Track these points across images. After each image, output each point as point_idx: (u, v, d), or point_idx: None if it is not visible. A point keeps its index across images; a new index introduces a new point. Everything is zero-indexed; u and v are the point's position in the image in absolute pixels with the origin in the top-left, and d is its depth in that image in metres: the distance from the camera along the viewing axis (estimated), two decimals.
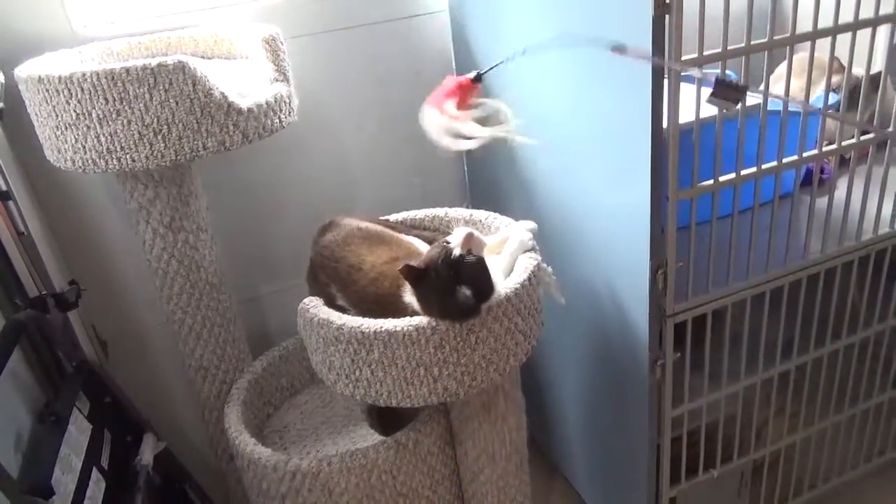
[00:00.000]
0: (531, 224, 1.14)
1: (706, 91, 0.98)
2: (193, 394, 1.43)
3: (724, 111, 0.88)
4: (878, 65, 1.24)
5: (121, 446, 1.26)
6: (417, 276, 0.98)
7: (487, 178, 1.57)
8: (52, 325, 1.21)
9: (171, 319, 1.33)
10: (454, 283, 0.96)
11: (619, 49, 0.88)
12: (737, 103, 0.88)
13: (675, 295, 1.09)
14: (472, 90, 1.00)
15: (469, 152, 1.63)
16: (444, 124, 1.00)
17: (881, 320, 1.36)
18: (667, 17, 0.88)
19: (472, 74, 1.01)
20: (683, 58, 0.92)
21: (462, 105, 0.99)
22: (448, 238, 1.00)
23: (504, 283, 1.05)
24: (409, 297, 1.02)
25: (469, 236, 0.99)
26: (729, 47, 0.96)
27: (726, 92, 0.86)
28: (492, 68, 0.99)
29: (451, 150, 1.00)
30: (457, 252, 0.96)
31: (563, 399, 1.54)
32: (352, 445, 1.35)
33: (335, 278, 1.12)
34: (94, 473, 1.12)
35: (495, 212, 1.26)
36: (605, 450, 1.44)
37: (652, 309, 1.10)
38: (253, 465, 1.20)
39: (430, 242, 1.19)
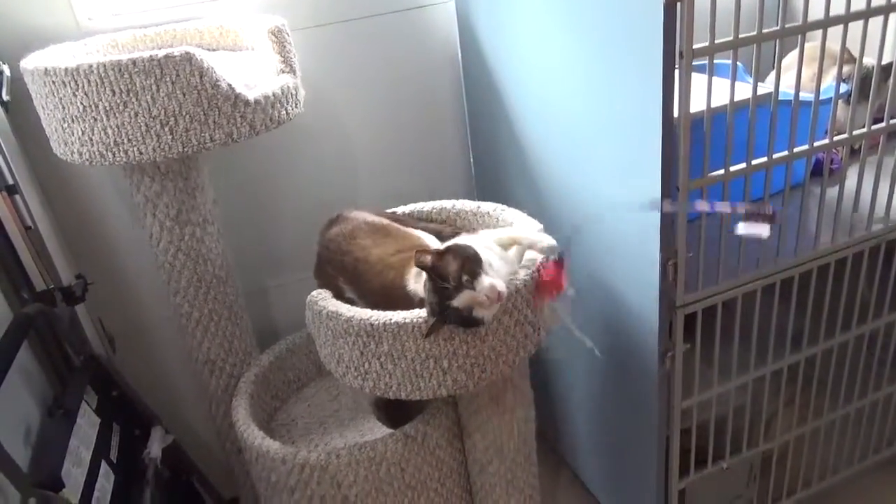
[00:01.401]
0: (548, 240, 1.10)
1: (717, 81, 0.98)
2: (201, 387, 1.42)
3: (759, 238, 0.88)
4: (889, 53, 1.23)
5: (129, 439, 1.26)
6: (431, 266, 0.95)
7: (494, 171, 1.56)
8: (59, 319, 1.21)
9: (178, 313, 1.32)
10: (446, 314, 0.94)
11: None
12: (769, 227, 0.87)
13: (685, 286, 1.09)
14: (562, 273, 0.99)
15: (474, 140, 1.63)
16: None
17: (891, 311, 1.35)
18: (678, 5, 0.87)
19: (555, 257, 1.00)
20: (695, 46, 0.91)
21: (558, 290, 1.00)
22: (483, 274, 0.94)
23: (515, 274, 1.04)
24: (413, 285, 1.01)
25: (498, 299, 0.94)
26: (740, 36, 0.95)
27: (757, 218, 0.86)
28: (568, 245, 1.00)
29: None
30: (479, 314, 0.94)
31: (571, 391, 1.54)
32: (360, 438, 1.35)
33: (343, 271, 1.12)
34: (104, 466, 1.12)
35: (502, 203, 1.26)
36: (614, 442, 1.43)
37: (662, 300, 1.09)
38: (261, 458, 1.20)
39: (436, 235, 1.19)
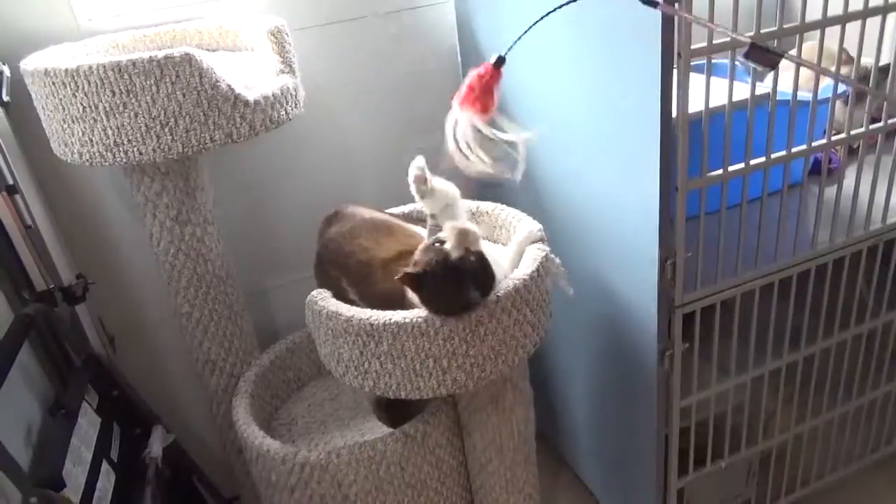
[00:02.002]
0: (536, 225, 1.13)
1: (716, 81, 0.98)
2: (201, 387, 1.43)
3: (759, 69, 0.81)
4: (887, 53, 1.24)
5: (130, 439, 1.27)
6: (418, 281, 0.96)
7: None
8: (60, 319, 1.21)
9: (179, 313, 1.33)
10: (459, 285, 0.95)
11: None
12: (772, 67, 0.81)
13: (683, 285, 1.09)
14: (496, 78, 0.87)
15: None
16: (468, 136, 0.90)
17: (889, 310, 1.35)
18: (676, 5, 0.88)
19: (492, 59, 0.86)
20: (693, 46, 0.91)
21: (488, 98, 0.86)
22: (439, 236, 0.99)
23: (512, 274, 1.05)
24: (412, 295, 1.02)
25: (462, 233, 0.96)
26: (738, 36, 0.95)
27: (760, 55, 0.79)
28: (511, 48, 0.87)
29: (466, 170, 0.92)
30: (455, 254, 0.94)
31: (571, 391, 1.54)
32: (360, 438, 1.35)
33: (347, 273, 1.11)
34: (104, 466, 1.12)
35: (501, 202, 1.26)
36: (613, 441, 1.44)
37: (661, 299, 1.09)
38: (262, 458, 1.20)
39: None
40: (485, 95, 0.83)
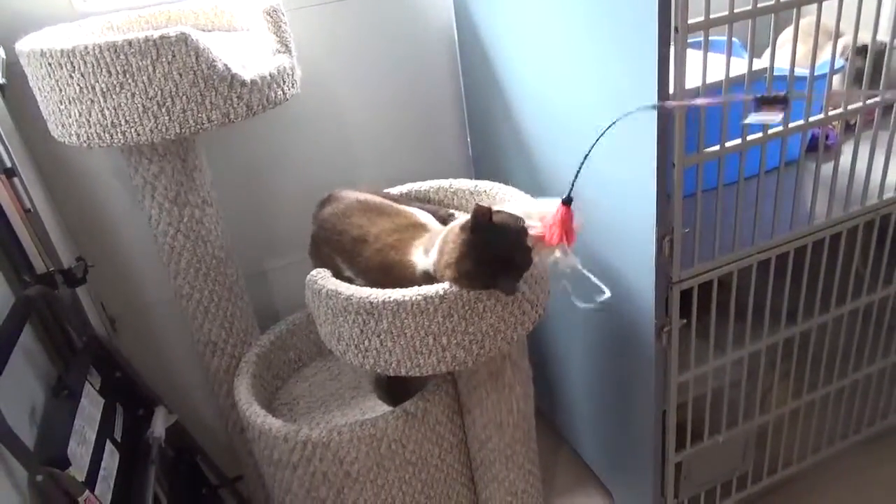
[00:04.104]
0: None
1: (713, 56, 0.98)
2: (202, 368, 1.44)
3: (769, 125, 0.86)
4: (883, 29, 1.23)
5: (133, 420, 1.28)
6: (488, 220, 0.95)
7: (491, 149, 1.56)
8: (61, 302, 1.21)
9: (179, 294, 1.33)
10: (504, 268, 0.95)
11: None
12: (782, 113, 0.86)
13: (681, 262, 1.10)
14: (571, 215, 0.98)
15: (471, 120, 1.63)
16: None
17: (885, 285, 1.36)
18: None
19: (563, 199, 0.97)
20: (690, 21, 0.91)
21: (571, 234, 0.98)
22: (531, 213, 0.99)
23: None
24: (416, 257, 1.02)
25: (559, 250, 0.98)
26: (735, 10, 0.95)
27: (770, 104, 0.84)
28: (573, 187, 0.98)
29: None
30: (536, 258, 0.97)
31: (569, 368, 1.56)
32: (361, 416, 1.37)
33: (340, 251, 1.12)
34: (108, 446, 1.13)
35: (498, 181, 1.26)
36: (611, 418, 1.45)
37: (658, 276, 1.10)
38: (264, 436, 1.21)
39: (433, 214, 1.19)
40: (569, 233, 0.97)
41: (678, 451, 1.31)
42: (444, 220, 1.16)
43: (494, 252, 0.96)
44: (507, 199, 1.20)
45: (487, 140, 1.57)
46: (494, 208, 0.97)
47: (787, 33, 1.18)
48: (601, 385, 1.44)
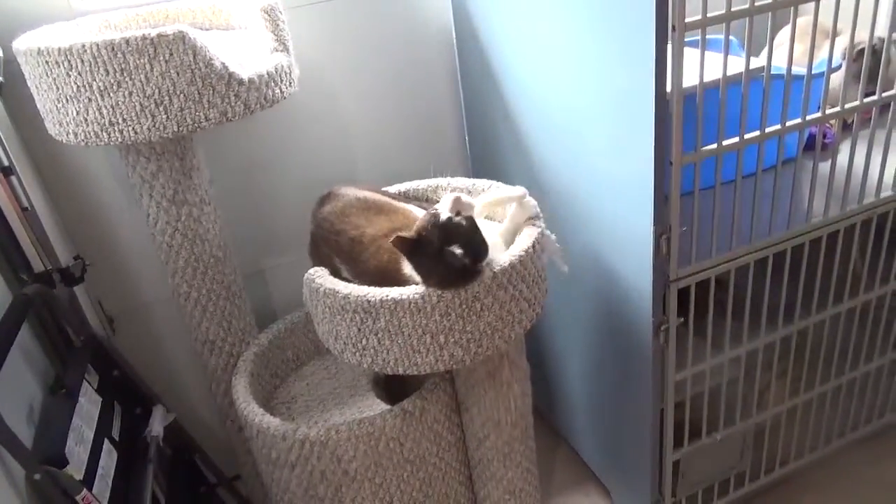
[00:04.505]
0: (522, 189, 1.14)
1: (710, 55, 0.98)
2: (200, 367, 1.44)
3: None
4: (881, 28, 1.23)
5: (131, 419, 1.28)
6: (410, 246, 0.98)
7: (489, 147, 1.56)
8: (58, 300, 1.21)
9: (177, 293, 1.33)
10: (444, 246, 0.96)
11: None
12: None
13: (678, 260, 1.10)
14: None
15: (469, 118, 1.63)
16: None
17: (882, 284, 1.37)
18: None
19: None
20: (687, 20, 0.91)
21: None
22: (436, 206, 1.01)
23: (507, 250, 1.06)
24: (408, 269, 1.02)
25: (456, 200, 1.00)
26: (733, 9, 0.95)
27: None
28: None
29: None
30: (444, 216, 0.96)
31: (567, 367, 1.56)
32: (359, 415, 1.37)
33: (338, 251, 1.12)
34: (106, 444, 1.13)
35: (497, 180, 1.26)
36: (609, 416, 1.45)
37: (655, 274, 1.10)
38: (262, 435, 1.22)
39: None
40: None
41: (676, 449, 1.31)
42: None
43: (428, 256, 0.97)
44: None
45: (485, 138, 1.57)
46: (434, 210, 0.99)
47: (786, 32, 1.18)
48: (599, 383, 1.44)
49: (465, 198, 1.02)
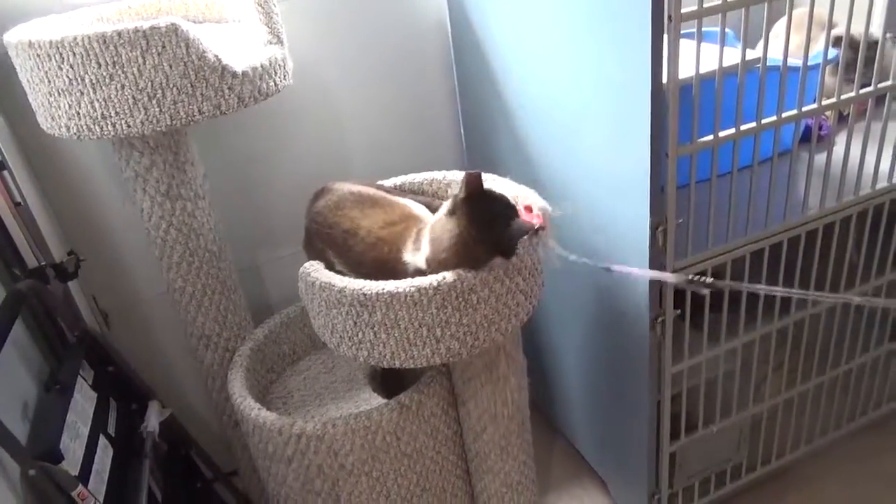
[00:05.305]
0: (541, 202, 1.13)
1: (706, 46, 0.98)
2: (196, 362, 1.43)
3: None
4: (878, 19, 1.23)
5: (126, 414, 1.27)
6: (481, 189, 0.98)
7: (485, 141, 1.56)
8: (52, 296, 1.21)
9: (172, 288, 1.33)
10: (503, 232, 0.96)
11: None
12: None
13: (675, 252, 1.10)
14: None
15: (465, 112, 1.62)
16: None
17: (878, 275, 1.37)
18: None
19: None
20: (683, 10, 0.91)
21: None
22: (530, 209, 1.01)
23: None
24: (410, 257, 1.02)
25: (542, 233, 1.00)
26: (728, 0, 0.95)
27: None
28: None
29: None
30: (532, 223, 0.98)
31: (564, 360, 1.56)
32: (355, 409, 1.36)
33: (331, 244, 1.12)
34: (102, 440, 1.13)
35: (493, 174, 1.26)
36: (606, 408, 1.45)
37: (652, 266, 1.10)
38: (258, 430, 1.21)
39: (427, 206, 1.19)
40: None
41: (672, 441, 1.32)
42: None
43: (491, 214, 0.97)
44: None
45: (481, 131, 1.57)
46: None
47: (782, 24, 1.18)
48: (596, 376, 1.44)
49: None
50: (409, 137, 1.64)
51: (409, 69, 1.58)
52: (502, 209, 0.98)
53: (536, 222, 1.00)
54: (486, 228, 0.97)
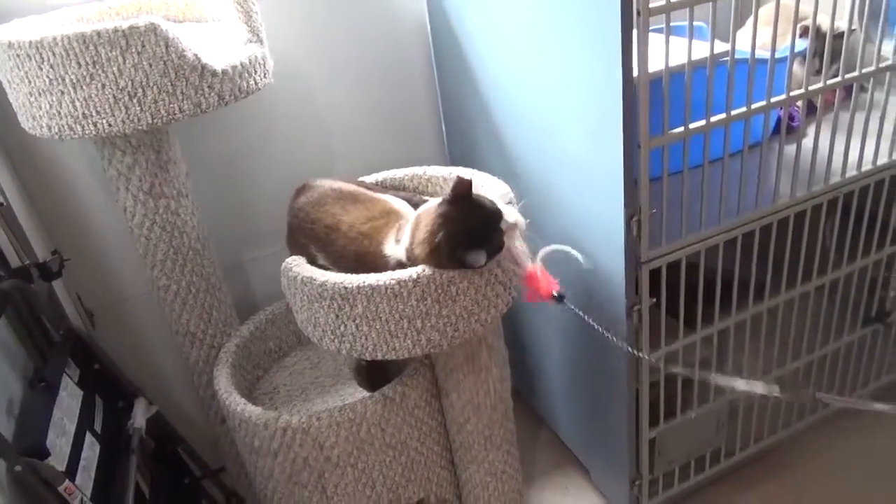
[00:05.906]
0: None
1: (676, 40, 1.00)
2: (182, 359, 1.44)
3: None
4: (844, 12, 1.26)
5: (113, 412, 1.28)
6: (464, 195, 0.99)
7: (465, 136, 1.58)
8: (37, 295, 1.21)
9: (156, 286, 1.34)
10: (477, 244, 0.98)
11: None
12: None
13: (649, 242, 1.12)
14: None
15: (445, 108, 1.64)
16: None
17: (850, 261, 1.40)
18: None
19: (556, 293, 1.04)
20: (651, 5, 0.93)
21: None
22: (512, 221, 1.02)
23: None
24: (390, 250, 1.04)
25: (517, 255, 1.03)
26: None
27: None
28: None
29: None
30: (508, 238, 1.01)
31: (545, 350, 1.58)
32: (341, 403, 1.38)
33: (314, 239, 1.14)
34: (88, 437, 1.14)
35: (473, 168, 1.28)
36: (587, 397, 1.48)
37: (627, 256, 1.13)
38: (244, 424, 1.23)
39: (408, 201, 1.21)
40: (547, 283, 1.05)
41: (652, 427, 1.34)
42: (419, 207, 1.18)
43: (470, 225, 0.99)
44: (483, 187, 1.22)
45: (461, 127, 1.59)
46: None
47: (750, 23, 1.20)
48: (576, 365, 1.47)
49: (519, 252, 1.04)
50: (390, 134, 1.65)
51: (390, 66, 1.59)
52: (484, 219, 0.99)
53: (521, 274, 1.03)
54: (457, 241, 0.98)
